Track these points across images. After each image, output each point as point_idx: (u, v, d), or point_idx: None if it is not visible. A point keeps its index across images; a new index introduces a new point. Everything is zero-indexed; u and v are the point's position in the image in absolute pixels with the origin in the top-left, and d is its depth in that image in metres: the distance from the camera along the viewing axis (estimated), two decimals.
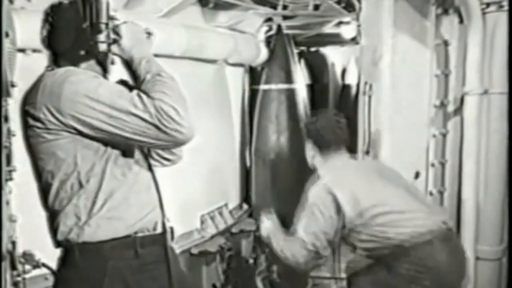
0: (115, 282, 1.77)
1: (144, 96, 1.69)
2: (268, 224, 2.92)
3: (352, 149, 2.96)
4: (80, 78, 1.73)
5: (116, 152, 1.80)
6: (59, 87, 1.71)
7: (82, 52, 1.83)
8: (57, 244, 1.82)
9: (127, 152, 1.84)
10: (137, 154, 1.90)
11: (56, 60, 1.87)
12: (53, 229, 1.82)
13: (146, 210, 1.86)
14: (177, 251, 3.66)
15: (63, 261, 1.83)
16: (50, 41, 1.88)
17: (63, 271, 1.84)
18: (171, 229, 1.98)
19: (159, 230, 1.90)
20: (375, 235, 2.55)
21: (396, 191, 2.63)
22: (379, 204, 2.55)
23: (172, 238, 1.99)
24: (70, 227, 1.77)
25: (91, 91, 1.69)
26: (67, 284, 1.83)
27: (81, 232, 1.77)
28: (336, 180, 2.67)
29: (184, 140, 1.72)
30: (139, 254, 1.82)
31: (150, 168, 1.97)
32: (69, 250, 1.80)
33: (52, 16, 1.87)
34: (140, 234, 1.83)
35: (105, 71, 1.90)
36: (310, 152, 2.87)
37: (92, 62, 1.87)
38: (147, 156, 1.99)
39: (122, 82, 1.90)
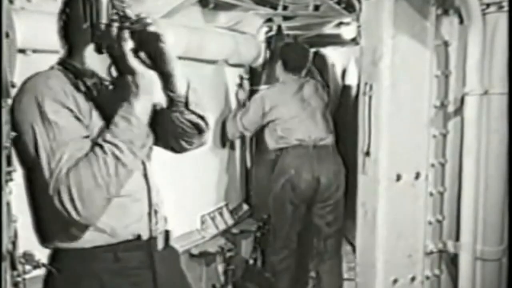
0: (92, 284, 1.78)
1: (62, 164, 1.65)
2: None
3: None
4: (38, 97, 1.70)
5: None
6: (19, 96, 1.73)
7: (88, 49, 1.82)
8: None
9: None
10: (132, 163, 1.81)
11: (69, 53, 1.87)
12: (37, 227, 1.84)
13: (129, 221, 1.84)
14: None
15: (52, 259, 1.87)
16: (65, 32, 1.87)
17: (51, 266, 1.85)
18: (167, 232, 1.96)
19: (144, 238, 1.87)
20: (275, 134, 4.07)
21: (304, 113, 4.01)
22: (284, 118, 3.99)
23: (167, 242, 1.96)
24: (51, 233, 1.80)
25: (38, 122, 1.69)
26: (53, 282, 1.84)
27: (59, 243, 1.80)
28: (272, 92, 4.11)
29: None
30: (120, 258, 1.81)
31: (145, 175, 1.93)
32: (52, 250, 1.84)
33: (68, 7, 1.84)
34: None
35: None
36: (278, 68, 4.16)
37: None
38: (144, 162, 1.94)
39: None
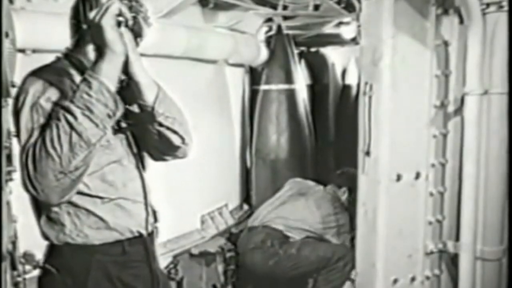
0: (99, 275, 1.80)
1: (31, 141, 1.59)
2: None
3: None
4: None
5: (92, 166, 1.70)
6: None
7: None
8: (45, 237, 1.84)
9: (113, 166, 1.81)
10: (127, 162, 1.86)
11: (77, 45, 1.82)
12: (39, 224, 1.83)
13: (132, 220, 1.87)
14: (177, 251, 3.68)
15: (50, 250, 1.85)
16: (76, 21, 1.80)
17: (50, 260, 1.84)
18: (156, 229, 2.00)
19: (144, 235, 1.91)
20: None
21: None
22: None
23: (157, 238, 2.01)
24: (56, 231, 1.80)
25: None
26: (53, 274, 1.83)
27: (70, 239, 1.79)
28: None
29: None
30: (127, 251, 1.85)
31: (141, 176, 1.93)
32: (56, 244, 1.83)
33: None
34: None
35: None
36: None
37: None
38: (138, 164, 1.93)
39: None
